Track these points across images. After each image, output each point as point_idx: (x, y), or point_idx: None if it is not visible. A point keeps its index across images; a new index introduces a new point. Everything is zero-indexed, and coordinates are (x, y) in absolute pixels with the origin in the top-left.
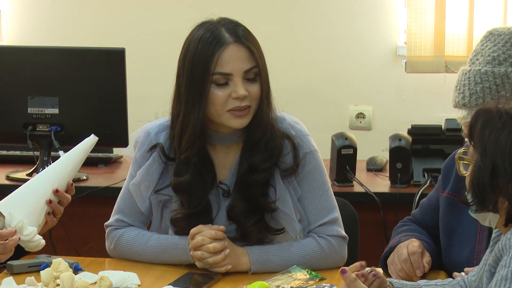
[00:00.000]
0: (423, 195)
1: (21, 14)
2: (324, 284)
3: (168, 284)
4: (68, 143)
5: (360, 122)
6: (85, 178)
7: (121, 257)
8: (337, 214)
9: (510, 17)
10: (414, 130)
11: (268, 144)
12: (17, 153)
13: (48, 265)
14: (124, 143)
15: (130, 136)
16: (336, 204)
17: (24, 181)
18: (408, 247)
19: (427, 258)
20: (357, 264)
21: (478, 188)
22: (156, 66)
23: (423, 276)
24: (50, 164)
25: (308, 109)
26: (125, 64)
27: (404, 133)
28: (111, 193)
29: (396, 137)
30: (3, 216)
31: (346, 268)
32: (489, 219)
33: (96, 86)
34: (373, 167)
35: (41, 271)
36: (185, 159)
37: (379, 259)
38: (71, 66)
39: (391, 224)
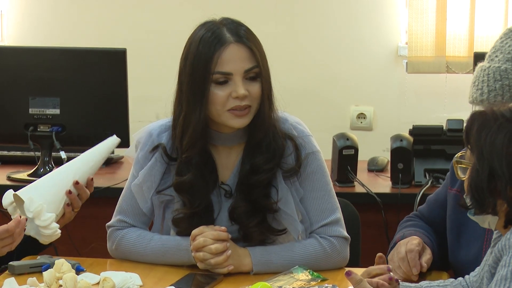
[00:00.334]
0: (424, 196)
1: (22, 15)
2: (326, 285)
3: (170, 285)
4: (69, 144)
5: (361, 122)
6: None
7: (123, 258)
8: (339, 214)
9: (511, 17)
10: (416, 131)
11: (270, 145)
12: (18, 153)
13: (49, 265)
14: (125, 143)
15: (131, 137)
16: (338, 205)
17: (25, 181)
18: (406, 245)
19: (427, 256)
20: (383, 266)
21: (477, 192)
22: (157, 67)
23: (424, 275)
24: (52, 165)
25: (309, 110)
26: (126, 64)
27: (406, 134)
28: (112, 194)
29: (397, 138)
30: (19, 208)
31: (351, 269)
32: (488, 221)
33: (97, 87)
34: (374, 168)
35: (43, 272)
36: (187, 159)
37: None
38: (72, 67)
39: (392, 225)
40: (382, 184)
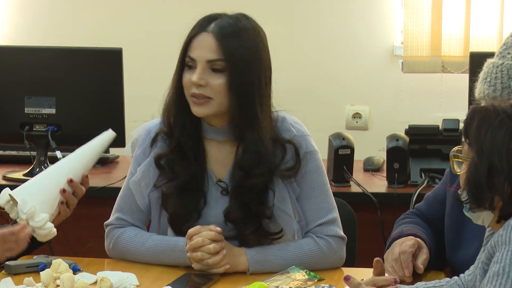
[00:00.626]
0: (420, 195)
1: (17, 14)
2: (323, 284)
3: (167, 285)
4: (65, 143)
5: (357, 122)
6: None
7: (119, 257)
8: (336, 214)
9: (507, 17)
10: (412, 130)
11: (257, 148)
12: (14, 153)
13: (46, 265)
14: (121, 143)
15: (127, 136)
16: (335, 204)
17: (20, 181)
18: (401, 246)
19: (423, 256)
20: (390, 278)
21: (475, 187)
22: (153, 67)
23: (421, 276)
24: (47, 164)
25: (304, 109)
26: (122, 64)
27: (402, 133)
28: (108, 194)
29: (393, 137)
30: (16, 206)
31: (349, 274)
32: (482, 218)
33: (93, 86)
34: (370, 167)
35: (41, 272)
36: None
37: None
38: (68, 66)
39: (388, 224)
40: (378, 184)
